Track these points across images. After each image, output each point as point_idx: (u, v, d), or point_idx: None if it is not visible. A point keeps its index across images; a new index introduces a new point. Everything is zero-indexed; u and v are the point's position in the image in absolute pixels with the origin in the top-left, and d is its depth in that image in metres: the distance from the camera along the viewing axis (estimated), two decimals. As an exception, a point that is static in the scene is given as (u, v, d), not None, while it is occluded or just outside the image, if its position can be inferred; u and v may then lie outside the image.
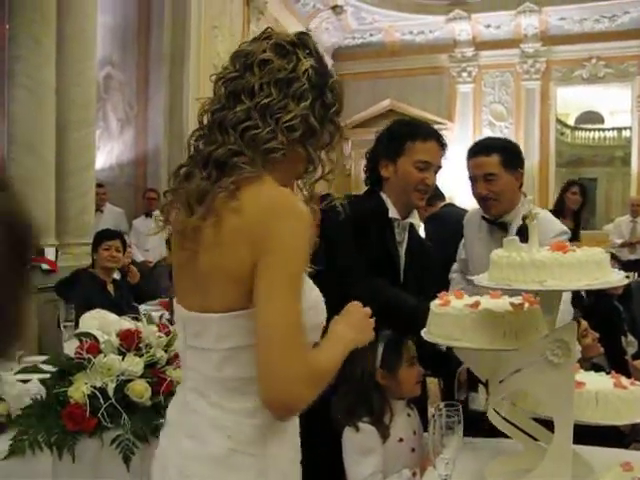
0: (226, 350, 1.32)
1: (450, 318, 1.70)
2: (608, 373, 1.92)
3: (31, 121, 5.39)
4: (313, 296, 1.40)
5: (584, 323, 2.97)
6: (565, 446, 1.59)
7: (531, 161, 11.57)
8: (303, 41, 1.42)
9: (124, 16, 7.89)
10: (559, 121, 15.09)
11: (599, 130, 18.29)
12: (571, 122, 17.99)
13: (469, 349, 1.69)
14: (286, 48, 1.39)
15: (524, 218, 1.64)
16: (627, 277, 1.55)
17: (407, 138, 2.43)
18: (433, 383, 2.70)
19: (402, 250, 2.51)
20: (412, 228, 2.60)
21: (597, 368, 2.11)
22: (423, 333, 1.80)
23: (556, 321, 1.62)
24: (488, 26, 11.51)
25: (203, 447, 1.34)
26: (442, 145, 2.48)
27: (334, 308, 1.49)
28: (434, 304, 1.79)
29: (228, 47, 8.83)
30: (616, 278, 1.52)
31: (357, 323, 1.47)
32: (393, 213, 2.45)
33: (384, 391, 2.15)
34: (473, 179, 2.58)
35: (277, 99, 1.34)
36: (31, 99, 5.39)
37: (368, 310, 1.50)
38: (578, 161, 18.25)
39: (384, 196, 2.47)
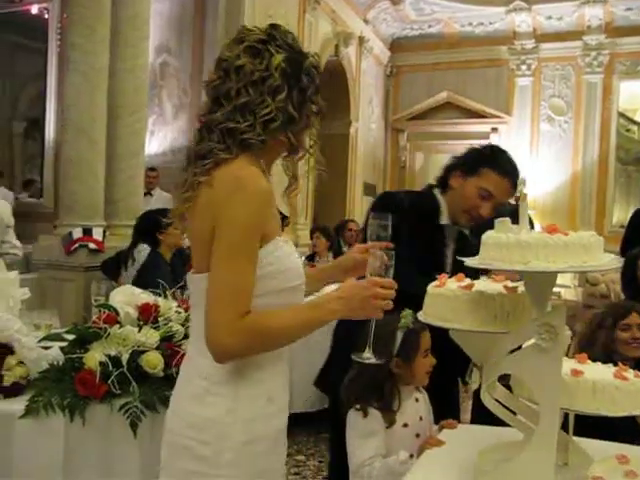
0: (205, 305, 1.48)
1: (443, 299, 1.70)
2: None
3: (84, 106, 5.57)
4: (289, 261, 1.56)
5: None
6: (549, 434, 1.56)
7: (590, 157, 11.30)
8: (272, 36, 1.55)
9: (180, 4, 8.05)
10: (624, 117, 14.63)
11: (668, 126, 17.67)
12: (638, 118, 17.45)
13: (460, 330, 1.69)
14: (257, 48, 1.52)
15: (516, 199, 1.63)
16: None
17: (488, 164, 2.48)
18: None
19: (449, 251, 2.59)
20: (462, 233, 2.66)
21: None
22: (419, 314, 1.80)
23: (545, 304, 1.59)
24: (549, 17, 11.24)
25: (187, 386, 1.57)
26: (515, 185, 2.49)
27: None
28: (430, 286, 1.79)
29: (283, 36, 8.89)
30: (606, 262, 1.50)
31: (354, 296, 1.52)
32: (445, 220, 2.56)
33: (395, 379, 2.16)
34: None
35: (254, 97, 1.50)
36: (85, 84, 5.56)
37: (379, 291, 1.52)
38: (644, 159, 17.71)
39: (441, 199, 2.56)
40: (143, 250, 4.57)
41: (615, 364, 1.86)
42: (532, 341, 1.58)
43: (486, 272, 1.93)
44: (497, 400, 1.81)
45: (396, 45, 12.69)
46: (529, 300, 1.63)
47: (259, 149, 1.53)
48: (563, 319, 1.54)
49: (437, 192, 2.59)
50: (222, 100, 1.52)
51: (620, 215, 16.00)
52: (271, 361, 1.57)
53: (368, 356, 1.67)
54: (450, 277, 2.43)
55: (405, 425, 2.14)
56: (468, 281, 1.72)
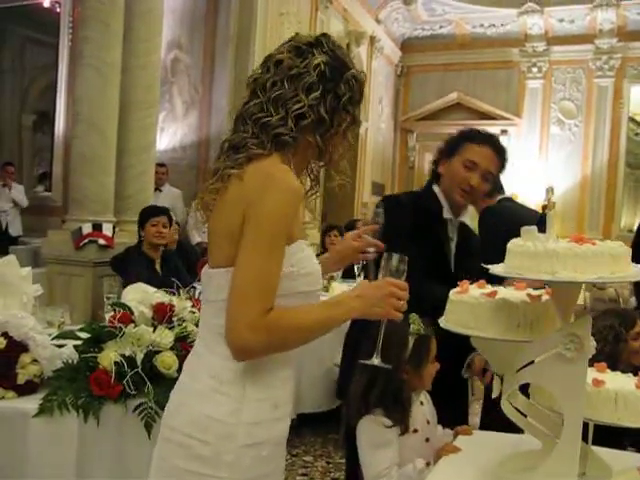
0: (221, 301, 1.47)
1: (466, 306, 1.68)
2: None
3: (96, 100, 5.55)
4: (310, 265, 1.55)
5: None
6: (573, 444, 1.55)
7: (600, 161, 11.26)
8: (319, 41, 1.58)
9: (192, 0, 8.03)
10: (635, 121, 14.59)
11: (677, 132, 17.61)
12: (648, 123, 17.40)
13: (482, 338, 1.67)
14: (302, 48, 1.56)
15: (544, 207, 1.60)
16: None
17: (466, 139, 2.55)
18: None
19: (453, 245, 2.59)
20: (464, 224, 2.68)
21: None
22: (440, 321, 1.79)
23: (570, 314, 1.58)
24: (561, 20, 11.21)
25: (193, 382, 1.54)
26: (498, 151, 2.55)
27: None
28: (452, 292, 1.77)
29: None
30: (634, 272, 1.48)
31: (371, 295, 1.54)
32: (447, 213, 2.56)
33: (409, 384, 2.15)
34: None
35: (288, 91, 1.51)
36: (97, 79, 5.55)
37: (395, 290, 1.55)
38: (653, 163, 17.66)
39: (438, 193, 2.58)
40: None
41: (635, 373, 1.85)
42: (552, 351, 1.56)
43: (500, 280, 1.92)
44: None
45: (407, 45, 12.67)
46: (554, 309, 1.61)
47: (291, 148, 1.53)
48: (589, 329, 1.52)
49: (435, 187, 2.61)
50: (258, 91, 1.54)
51: (627, 219, 15.98)
52: (280, 366, 1.55)
53: (377, 361, 1.66)
54: (454, 270, 2.50)
55: (415, 431, 2.13)
56: (492, 289, 1.70)
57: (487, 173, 2.52)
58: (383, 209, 2.12)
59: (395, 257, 1.62)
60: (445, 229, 2.57)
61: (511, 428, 2.12)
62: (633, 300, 5.77)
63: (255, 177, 1.46)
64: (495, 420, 2.28)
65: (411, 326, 2.13)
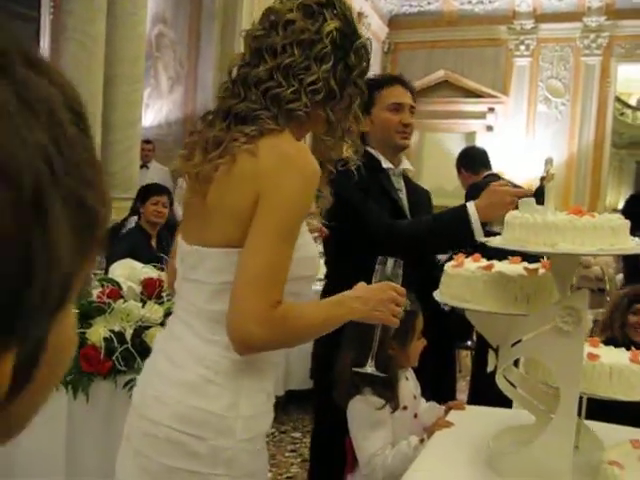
0: (219, 284, 1.38)
1: (461, 279, 1.66)
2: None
3: (80, 75, 5.46)
4: (311, 249, 1.47)
5: None
6: (569, 418, 1.54)
7: (586, 140, 11.28)
8: (331, 1, 1.44)
9: (177, -27, 7.91)
10: (620, 101, 14.62)
11: (662, 111, 17.69)
12: (633, 102, 17.46)
13: (478, 312, 1.65)
14: (312, 8, 1.41)
15: (542, 179, 1.59)
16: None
17: (374, 89, 2.49)
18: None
19: (403, 195, 2.58)
20: (405, 175, 2.68)
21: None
22: (435, 294, 1.77)
23: (568, 287, 1.57)
24: (550, -3, 11.16)
25: (177, 371, 1.40)
26: (407, 87, 2.57)
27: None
28: (448, 265, 1.75)
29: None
30: (633, 245, 1.46)
31: (372, 298, 1.47)
32: (386, 163, 2.54)
33: (395, 360, 2.13)
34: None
35: (299, 60, 1.38)
36: (81, 53, 5.48)
37: (395, 296, 1.50)
38: (638, 143, 17.75)
39: (371, 150, 2.54)
40: (131, 222, 4.63)
41: (629, 347, 1.85)
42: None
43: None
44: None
45: (394, 22, 12.57)
46: (551, 283, 1.60)
47: (300, 122, 1.42)
48: (586, 302, 1.51)
49: (367, 148, 2.55)
50: (265, 54, 1.39)
51: (612, 198, 16.09)
52: (275, 353, 1.47)
53: (371, 369, 1.61)
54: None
55: (405, 408, 2.12)
56: (488, 262, 1.68)
57: (411, 108, 2.54)
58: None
59: (390, 261, 1.56)
60: (389, 180, 2.55)
61: (499, 405, 2.14)
62: (620, 277, 5.81)
63: (271, 155, 1.34)
64: (483, 397, 2.29)
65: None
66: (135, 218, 4.67)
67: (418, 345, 2.15)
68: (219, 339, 1.37)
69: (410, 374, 2.22)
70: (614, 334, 2.72)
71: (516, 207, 1.69)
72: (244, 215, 1.33)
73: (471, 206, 2.22)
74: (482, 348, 3.61)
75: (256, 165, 1.34)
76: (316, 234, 1.95)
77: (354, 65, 1.46)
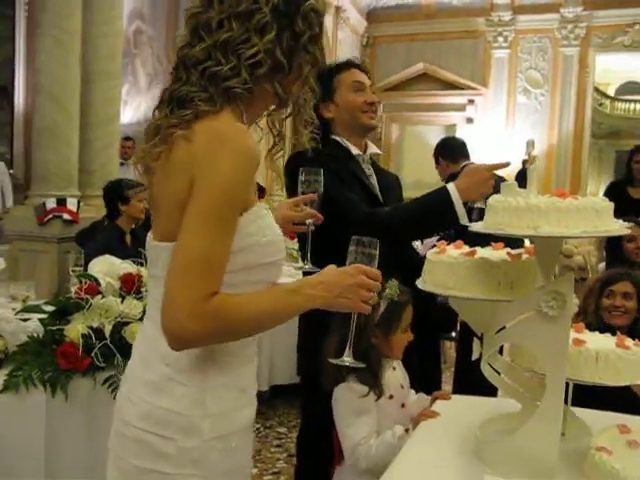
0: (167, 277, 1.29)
1: (444, 266, 1.63)
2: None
3: (56, 71, 5.41)
4: (272, 232, 1.38)
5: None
6: (556, 404, 1.52)
7: (565, 130, 11.33)
8: None
9: (154, -31, 7.83)
10: (598, 91, 14.71)
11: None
12: (611, 92, 17.60)
13: (462, 298, 1.63)
14: None
15: (524, 162, 1.57)
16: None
17: (333, 75, 2.52)
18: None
19: (374, 180, 2.55)
20: (373, 161, 2.66)
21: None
22: (418, 282, 1.74)
23: (553, 272, 1.55)
24: (527, -11, 11.19)
25: (144, 370, 1.36)
26: (362, 69, 2.58)
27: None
28: (430, 252, 1.73)
29: (259, 4, 8.71)
30: (617, 227, 1.45)
31: (337, 283, 1.35)
32: (355, 150, 2.51)
33: (378, 349, 2.10)
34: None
35: (237, 34, 1.28)
36: (57, 49, 5.40)
37: (364, 280, 1.37)
38: (616, 133, 17.90)
39: (337, 138, 2.51)
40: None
41: (603, 331, 1.84)
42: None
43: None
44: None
45: (373, 15, 12.54)
46: (534, 268, 1.58)
47: (245, 100, 1.32)
48: (571, 287, 1.49)
49: (333, 136, 2.53)
50: (201, 32, 1.30)
51: (592, 188, 16.19)
52: (245, 345, 1.40)
53: (349, 359, 1.52)
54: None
55: (391, 397, 2.09)
56: (471, 249, 1.66)
57: (370, 87, 2.56)
58: (322, 176, 1.95)
59: (365, 240, 1.45)
60: (359, 167, 2.52)
61: (483, 395, 2.12)
62: (602, 266, 5.83)
63: (205, 138, 1.25)
64: (467, 387, 2.28)
65: (386, 290, 2.07)
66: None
67: (403, 338, 2.12)
68: None
69: (398, 364, 2.19)
70: (588, 319, 2.72)
71: (496, 190, 1.67)
72: (184, 203, 1.25)
73: (452, 187, 2.18)
74: (465, 338, 3.61)
75: (191, 150, 1.26)
76: (310, 220, 1.91)
77: (302, 31, 1.35)
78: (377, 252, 1.44)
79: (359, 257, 1.43)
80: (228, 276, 1.27)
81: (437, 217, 2.25)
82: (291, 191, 2.22)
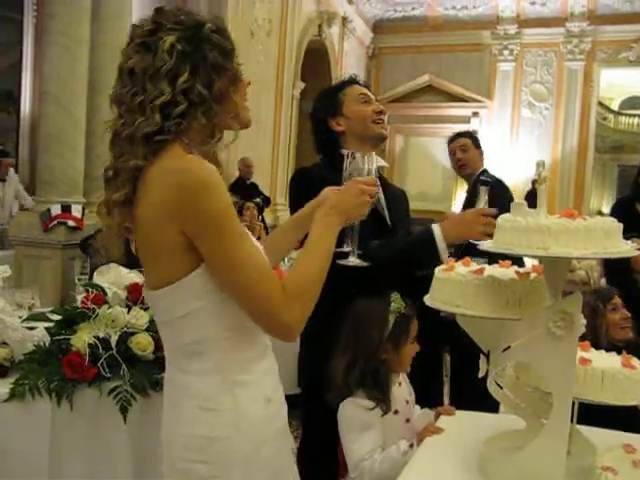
0: (175, 319, 1.42)
1: (452, 284, 1.64)
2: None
3: (64, 79, 5.42)
4: (258, 245, 1.47)
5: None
6: (562, 423, 1.53)
7: (570, 144, 11.35)
8: (158, 23, 1.41)
9: (162, -22, 7.85)
10: (602, 105, 14.73)
11: (644, 116, 17.88)
12: (615, 107, 17.64)
13: (470, 316, 1.63)
14: (146, 42, 1.39)
15: (534, 182, 1.57)
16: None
17: (338, 91, 2.57)
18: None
19: (382, 196, 2.55)
20: (381, 175, 2.62)
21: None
22: (425, 299, 1.75)
23: (560, 291, 1.55)
24: (533, 3, 11.25)
25: (175, 411, 1.46)
26: (363, 85, 2.64)
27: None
28: (438, 269, 1.73)
29: (266, 14, 8.75)
30: (626, 248, 1.45)
31: (344, 201, 1.56)
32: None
33: (387, 364, 2.11)
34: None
35: (150, 91, 1.36)
36: (65, 57, 5.41)
37: (363, 187, 1.58)
38: (620, 147, 17.92)
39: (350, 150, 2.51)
40: None
41: (610, 350, 1.85)
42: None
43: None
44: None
45: (379, 27, 12.61)
46: (542, 287, 1.59)
47: (184, 135, 1.40)
48: (579, 307, 1.49)
49: (342, 150, 2.47)
50: (122, 109, 1.40)
51: (595, 202, 16.20)
52: (256, 361, 1.49)
53: (354, 260, 1.68)
54: (390, 221, 2.46)
55: (396, 412, 2.10)
56: (479, 266, 1.66)
57: (376, 101, 2.59)
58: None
59: (358, 156, 1.64)
60: None
61: (479, 408, 2.12)
62: (603, 282, 5.83)
63: (166, 190, 1.33)
64: (464, 401, 2.28)
65: (392, 304, 2.09)
66: None
67: (411, 349, 2.13)
68: (200, 368, 1.42)
69: (404, 379, 2.20)
70: (596, 339, 2.72)
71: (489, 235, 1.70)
72: (172, 252, 1.36)
73: (437, 228, 2.21)
74: (456, 349, 3.60)
75: (156, 203, 1.33)
76: (368, 198, 1.95)
77: (211, 55, 1.41)
78: (371, 166, 1.66)
79: (354, 172, 1.66)
80: (215, 295, 1.38)
81: (420, 254, 2.26)
82: (294, 205, 2.23)
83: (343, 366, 2.09)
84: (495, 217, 1.81)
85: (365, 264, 1.68)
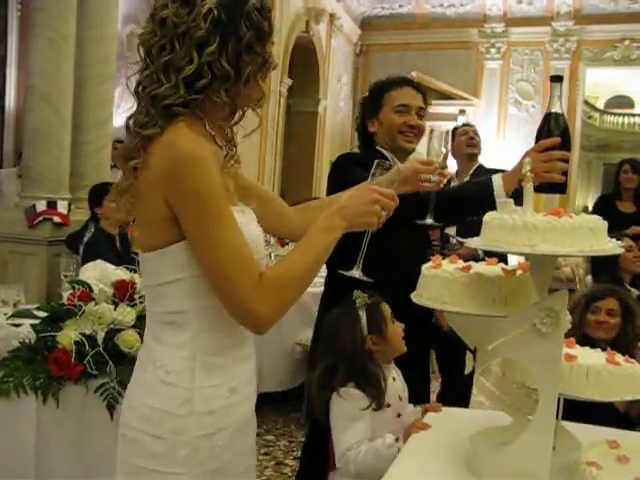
0: (158, 285, 1.40)
1: (439, 281, 1.64)
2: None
3: (50, 73, 5.38)
4: (251, 231, 1.44)
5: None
6: (548, 419, 1.54)
7: (556, 142, 11.40)
8: None
9: (149, -27, 7.81)
10: (588, 104, 14.83)
11: (629, 115, 18.03)
12: (600, 106, 17.76)
13: (456, 313, 1.64)
14: None
15: (520, 180, 1.59)
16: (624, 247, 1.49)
17: (384, 90, 2.58)
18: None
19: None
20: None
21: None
22: (413, 296, 1.75)
23: (546, 289, 1.56)
24: (520, 2, 11.30)
25: (141, 375, 1.44)
26: (418, 89, 2.62)
27: None
28: (425, 267, 1.74)
29: (254, 10, 8.72)
30: (611, 246, 1.46)
31: (355, 204, 1.45)
32: (396, 162, 2.54)
33: (375, 358, 2.12)
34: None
35: (179, 53, 1.32)
36: (50, 51, 5.37)
37: (378, 197, 1.46)
38: (605, 146, 18.05)
39: (381, 149, 2.58)
40: (90, 227, 4.51)
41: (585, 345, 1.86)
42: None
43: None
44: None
45: (366, 24, 12.61)
46: (528, 284, 1.59)
47: (202, 109, 1.38)
48: (565, 304, 1.50)
49: (377, 147, 2.61)
50: (148, 58, 1.35)
51: (580, 200, 16.30)
52: (235, 347, 1.46)
53: (357, 273, 1.64)
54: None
55: (388, 405, 2.11)
56: (466, 264, 1.67)
57: (419, 110, 2.57)
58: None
59: (386, 164, 1.60)
60: None
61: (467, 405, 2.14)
62: (589, 279, 5.87)
63: (161, 162, 1.31)
64: (452, 397, 2.30)
65: (357, 301, 2.12)
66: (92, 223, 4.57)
67: (397, 329, 2.14)
68: (171, 340, 1.40)
69: (398, 375, 2.21)
70: (569, 332, 2.76)
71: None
72: (163, 222, 1.35)
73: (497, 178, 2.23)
74: (443, 347, 3.63)
75: (150, 175, 1.33)
76: (435, 177, 1.97)
77: (246, 34, 1.35)
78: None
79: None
80: (199, 270, 1.36)
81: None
82: (335, 185, 2.32)
83: (318, 374, 2.11)
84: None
85: (368, 280, 1.64)
